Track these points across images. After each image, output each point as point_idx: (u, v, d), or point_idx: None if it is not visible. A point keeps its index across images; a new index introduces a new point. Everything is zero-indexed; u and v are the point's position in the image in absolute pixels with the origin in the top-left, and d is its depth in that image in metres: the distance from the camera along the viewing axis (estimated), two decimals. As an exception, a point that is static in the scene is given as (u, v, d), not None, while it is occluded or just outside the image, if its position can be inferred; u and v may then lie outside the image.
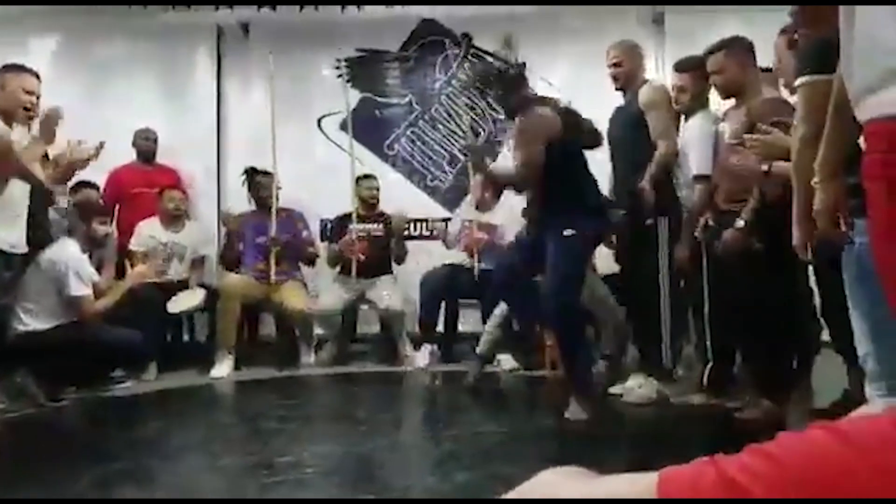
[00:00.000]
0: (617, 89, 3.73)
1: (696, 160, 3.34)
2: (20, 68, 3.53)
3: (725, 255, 3.00)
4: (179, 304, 4.51)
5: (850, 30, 1.11)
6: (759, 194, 2.91)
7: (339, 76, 5.57)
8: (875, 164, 1.06)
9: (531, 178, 3.19)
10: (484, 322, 4.69)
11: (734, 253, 2.97)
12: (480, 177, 4.54)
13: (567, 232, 3.10)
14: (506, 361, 4.47)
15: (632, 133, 3.50)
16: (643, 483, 0.58)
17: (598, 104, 3.72)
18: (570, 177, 3.18)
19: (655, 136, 3.44)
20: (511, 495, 0.66)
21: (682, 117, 3.59)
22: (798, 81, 2.01)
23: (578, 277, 3.19)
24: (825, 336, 3.16)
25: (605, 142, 3.65)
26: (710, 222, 3.24)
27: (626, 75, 3.66)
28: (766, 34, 3.13)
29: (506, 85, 3.34)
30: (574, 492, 0.62)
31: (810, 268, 2.98)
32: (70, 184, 4.27)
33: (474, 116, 5.59)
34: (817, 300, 3.14)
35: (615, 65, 3.68)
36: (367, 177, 5.10)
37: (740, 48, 3.14)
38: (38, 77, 3.56)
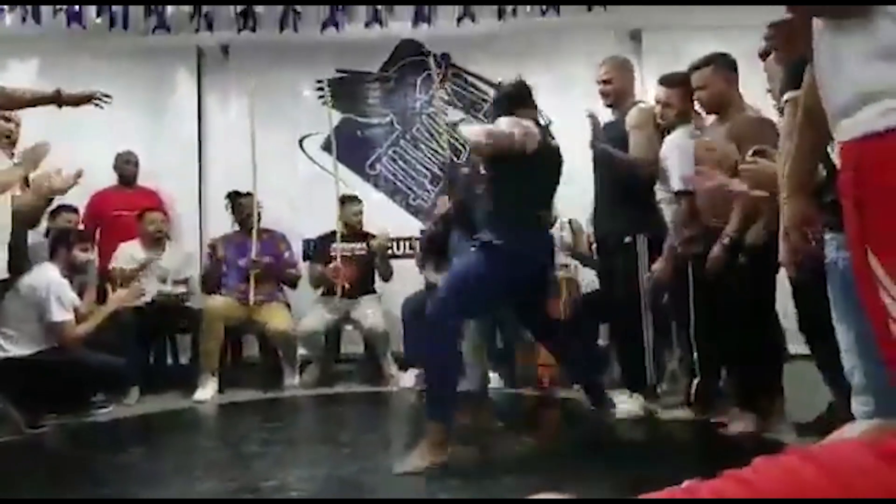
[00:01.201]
0: (606, 105, 3.72)
1: (675, 175, 3.35)
2: None
3: (712, 272, 3.01)
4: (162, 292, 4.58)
5: (821, 58, 1.14)
6: (741, 210, 2.94)
7: (321, 97, 5.59)
8: (847, 182, 1.09)
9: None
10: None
11: (720, 270, 2.99)
12: (444, 199, 4.57)
13: (472, 246, 2.99)
14: (497, 383, 4.46)
15: (619, 150, 3.51)
16: None
17: (578, 120, 3.75)
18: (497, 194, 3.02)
19: (633, 152, 3.46)
20: None
21: (664, 133, 3.56)
22: (784, 97, 2.03)
23: (458, 295, 2.84)
24: (800, 349, 3.20)
25: (591, 158, 3.69)
26: (695, 237, 3.26)
27: (616, 92, 3.66)
28: (743, 52, 3.18)
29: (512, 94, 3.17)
30: None
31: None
32: (49, 208, 4.27)
33: (455, 135, 5.63)
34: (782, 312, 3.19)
35: (605, 81, 3.67)
36: (351, 199, 5.08)
37: (726, 64, 3.19)
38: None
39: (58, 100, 3.02)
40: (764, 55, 2.86)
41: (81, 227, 4.74)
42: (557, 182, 3.16)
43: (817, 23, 1.14)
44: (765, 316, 3.10)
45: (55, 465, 3.17)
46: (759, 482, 0.55)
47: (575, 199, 4.20)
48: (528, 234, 2.94)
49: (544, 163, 3.00)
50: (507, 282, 2.89)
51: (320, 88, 5.56)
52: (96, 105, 3.16)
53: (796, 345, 3.55)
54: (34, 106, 3.18)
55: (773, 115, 3.04)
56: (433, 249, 4.54)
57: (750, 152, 2.54)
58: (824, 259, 1.93)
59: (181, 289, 4.67)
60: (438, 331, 2.83)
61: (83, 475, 2.79)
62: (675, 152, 3.36)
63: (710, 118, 3.39)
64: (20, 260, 3.73)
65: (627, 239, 3.47)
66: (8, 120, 3.45)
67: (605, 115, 3.77)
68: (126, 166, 5.17)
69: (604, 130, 3.66)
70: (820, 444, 0.67)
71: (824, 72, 1.14)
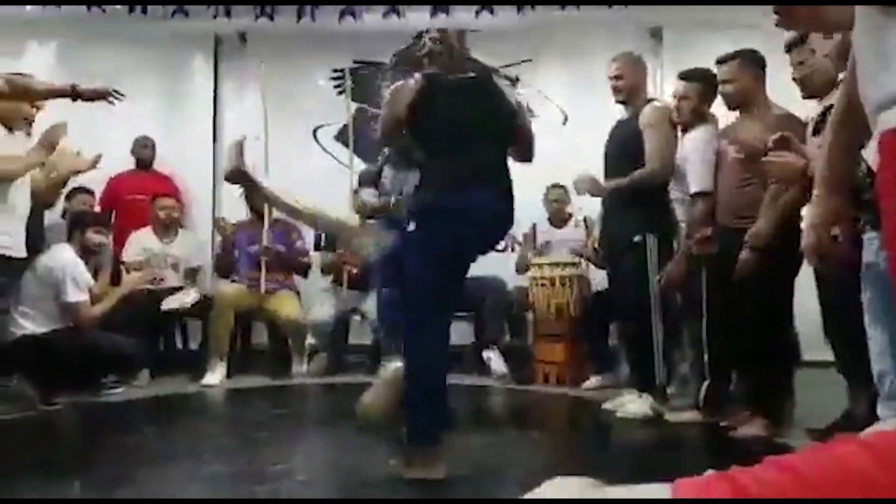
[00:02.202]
0: (618, 102, 3.67)
1: (695, 176, 3.29)
2: (23, 77, 3.42)
3: (741, 277, 2.94)
4: (172, 302, 4.55)
5: (863, 50, 1.10)
6: (770, 211, 2.89)
7: (337, 87, 5.59)
8: (888, 179, 1.05)
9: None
10: (476, 335, 4.70)
11: (750, 274, 2.92)
12: None
13: (410, 226, 2.53)
14: (496, 363, 4.45)
15: (630, 149, 3.46)
16: (655, 493, 0.56)
17: (595, 117, 3.73)
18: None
19: (648, 156, 3.39)
20: None
21: (681, 130, 3.52)
22: (841, 76, 1.99)
23: (421, 286, 2.41)
24: (815, 356, 3.17)
25: (602, 155, 3.66)
26: (711, 238, 3.23)
27: (628, 88, 3.60)
28: (768, 51, 3.16)
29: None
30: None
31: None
32: (66, 190, 4.30)
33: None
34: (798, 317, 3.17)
35: (616, 77, 3.61)
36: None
37: (753, 60, 3.13)
38: None
39: (73, 94, 3.06)
40: (789, 47, 2.82)
41: (98, 209, 4.79)
42: (486, 120, 2.58)
43: (860, 12, 1.11)
44: (780, 318, 3.06)
45: (67, 442, 3.21)
46: (806, 468, 0.52)
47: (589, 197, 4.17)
48: (460, 195, 2.44)
49: (444, 107, 2.57)
50: (456, 249, 2.46)
51: (338, 78, 5.55)
52: (109, 102, 3.19)
53: (811, 352, 3.53)
54: (50, 98, 3.22)
55: (798, 113, 3.03)
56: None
57: (774, 137, 2.47)
58: (854, 259, 1.89)
59: (191, 297, 4.65)
60: (417, 336, 2.40)
61: (93, 453, 2.82)
62: (695, 153, 3.31)
63: (728, 119, 3.35)
64: (37, 240, 3.77)
65: (637, 238, 3.43)
66: (34, 106, 3.46)
67: (618, 112, 3.76)
68: (143, 150, 5.21)
69: (616, 129, 3.64)
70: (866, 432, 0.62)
71: (867, 64, 1.10)
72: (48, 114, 3.64)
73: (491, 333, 4.61)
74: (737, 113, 3.23)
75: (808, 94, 2.91)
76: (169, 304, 4.51)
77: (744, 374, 3.25)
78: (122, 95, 3.23)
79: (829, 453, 0.53)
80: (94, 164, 3.68)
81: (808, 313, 3.14)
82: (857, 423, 2.51)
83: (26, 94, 3.22)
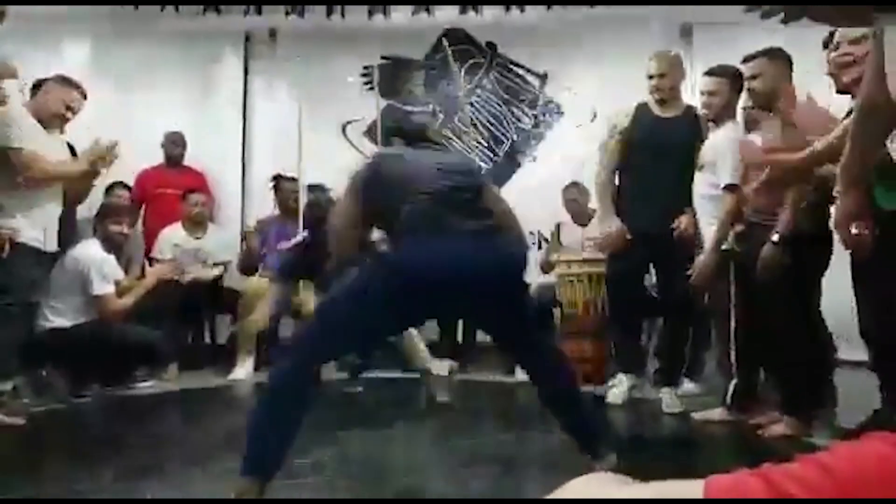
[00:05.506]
0: (658, 101, 3.68)
1: (726, 170, 3.27)
2: (68, 82, 3.54)
3: (764, 273, 2.91)
4: (195, 273, 4.67)
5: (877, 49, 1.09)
6: (793, 205, 2.86)
7: (367, 83, 5.61)
8: None
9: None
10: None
11: (773, 269, 2.89)
12: None
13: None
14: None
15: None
16: (688, 490, 0.55)
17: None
18: None
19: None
20: None
21: (710, 125, 3.54)
22: None
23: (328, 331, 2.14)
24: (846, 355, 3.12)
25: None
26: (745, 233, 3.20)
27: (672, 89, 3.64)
28: (798, 49, 3.13)
29: None
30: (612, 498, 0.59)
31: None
32: (103, 184, 4.38)
33: (497, 125, 5.61)
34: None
35: (661, 76, 3.63)
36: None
37: (781, 58, 3.13)
38: (84, 95, 3.56)
39: None
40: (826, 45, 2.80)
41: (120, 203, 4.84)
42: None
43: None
44: (805, 316, 3.02)
45: (96, 434, 3.26)
46: (842, 468, 0.51)
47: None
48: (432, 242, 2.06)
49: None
50: (396, 308, 2.04)
51: (366, 74, 5.58)
52: None
53: (842, 351, 3.48)
54: None
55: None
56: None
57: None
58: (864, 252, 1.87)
59: (216, 271, 4.75)
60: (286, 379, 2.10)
61: (122, 445, 2.86)
62: (726, 148, 3.29)
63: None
64: (68, 235, 3.84)
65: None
66: (69, 108, 3.51)
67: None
68: (172, 147, 5.26)
69: (663, 124, 3.65)
70: None
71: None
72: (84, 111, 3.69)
73: None
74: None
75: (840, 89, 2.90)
76: (191, 275, 4.63)
77: (771, 372, 3.22)
78: None
79: (862, 451, 0.52)
80: (110, 150, 3.55)
81: (838, 311, 3.10)
82: (887, 422, 2.47)
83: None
